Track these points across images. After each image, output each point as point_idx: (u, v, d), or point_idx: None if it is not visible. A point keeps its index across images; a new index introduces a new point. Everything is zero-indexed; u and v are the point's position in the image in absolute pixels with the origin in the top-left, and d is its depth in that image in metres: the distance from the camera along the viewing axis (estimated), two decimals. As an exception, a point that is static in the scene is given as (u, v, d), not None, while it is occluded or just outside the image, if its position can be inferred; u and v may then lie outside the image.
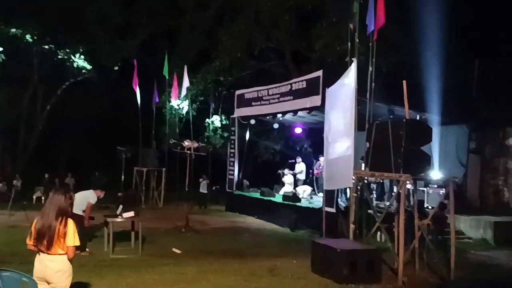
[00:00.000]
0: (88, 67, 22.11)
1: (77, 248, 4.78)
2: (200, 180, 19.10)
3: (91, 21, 21.53)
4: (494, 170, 15.43)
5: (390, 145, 8.68)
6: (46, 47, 21.29)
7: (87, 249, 9.68)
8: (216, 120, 22.72)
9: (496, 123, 15.13)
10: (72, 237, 4.61)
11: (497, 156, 15.36)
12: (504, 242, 12.24)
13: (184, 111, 22.19)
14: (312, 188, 17.53)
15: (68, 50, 21.48)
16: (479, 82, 14.48)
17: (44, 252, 4.58)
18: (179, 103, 21.89)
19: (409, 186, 11.07)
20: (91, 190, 10.12)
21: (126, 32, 23.61)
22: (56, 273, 4.58)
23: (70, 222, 4.65)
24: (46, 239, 4.55)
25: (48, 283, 4.61)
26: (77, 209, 9.48)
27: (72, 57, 21.54)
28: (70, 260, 4.68)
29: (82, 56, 21.72)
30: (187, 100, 19.87)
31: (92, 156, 24.62)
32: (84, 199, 9.78)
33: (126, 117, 23.94)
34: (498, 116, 14.91)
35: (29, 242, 4.70)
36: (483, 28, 16.26)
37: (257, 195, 17.67)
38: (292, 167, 18.62)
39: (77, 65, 21.73)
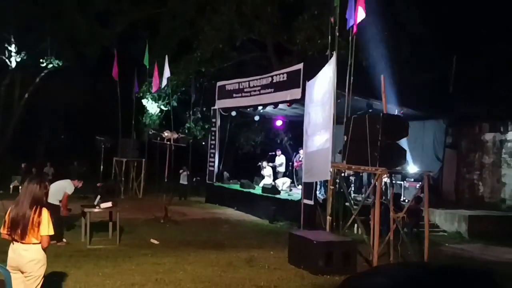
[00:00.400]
0: (59, 64, 21.83)
1: (53, 238, 4.77)
2: (180, 171, 19.07)
3: (71, 9, 21.19)
4: (469, 164, 15.73)
5: (367, 138, 8.80)
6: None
7: (64, 239, 9.64)
8: (197, 111, 22.66)
9: (473, 118, 15.41)
10: (46, 226, 4.60)
11: (473, 151, 15.65)
12: (477, 236, 12.52)
13: (165, 102, 22.08)
14: (291, 181, 17.67)
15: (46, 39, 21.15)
16: (456, 78, 14.71)
17: (18, 241, 4.57)
18: (160, 93, 21.77)
19: (385, 179, 11.28)
20: (68, 180, 10.04)
21: (106, 20, 23.31)
22: (29, 262, 4.57)
23: (45, 211, 4.63)
24: (20, 228, 4.53)
25: (22, 272, 4.59)
26: (54, 199, 9.43)
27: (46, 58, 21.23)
28: (45, 250, 4.67)
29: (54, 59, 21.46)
30: (168, 91, 19.76)
31: (71, 145, 24.36)
32: (61, 189, 9.71)
33: (106, 107, 23.66)
34: (474, 111, 15.19)
35: (3, 231, 4.67)
36: (461, 25, 16.50)
37: (237, 187, 17.74)
38: (272, 159, 18.72)
39: (52, 66, 21.45)
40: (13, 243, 4.62)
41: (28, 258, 4.56)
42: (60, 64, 22.13)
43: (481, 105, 15.32)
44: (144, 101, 21.88)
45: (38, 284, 4.64)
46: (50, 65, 21.74)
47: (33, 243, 4.58)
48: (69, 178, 10.28)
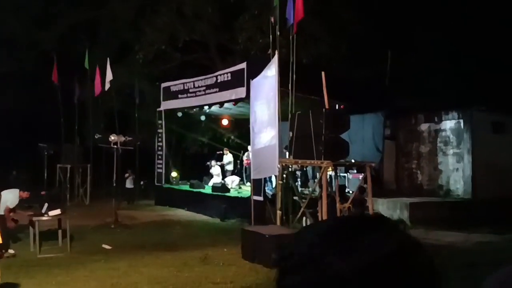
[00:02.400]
0: None
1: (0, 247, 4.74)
2: (126, 175, 18.79)
3: (6, 11, 20.37)
4: (408, 154, 16.49)
5: (311, 133, 9.19)
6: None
7: (10, 250, 9.37)
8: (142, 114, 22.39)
9: (408, 110, 16.15)
10: None
11: (410, 141, 16.41)
12: (419, 222, 13.13)
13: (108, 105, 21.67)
14: (240, 178, 17.91)
15: None
16: (392, 72, 15.38)
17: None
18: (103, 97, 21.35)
19: (330, 172, 11.75)
20: (15, 190, 9.76)
21: (44, 23, 22.54)
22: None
23: None
24: None
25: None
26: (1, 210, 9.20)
27: None
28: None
29: None
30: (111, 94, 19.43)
31: (10, 154, 23.37)
32: (4, 201, 9.43)
33: (46, 112, 22.91)
34: (410, 104, 15.95)
35: None
36: (395, 21, 17.28)
37: (186, 187, 17.76)
38: (220, 158, 18.88)
39: None
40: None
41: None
42: None
43: (416, 98, 16.11)
44: None
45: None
46: None
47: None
48: (13, 187, 10.01)
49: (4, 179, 17.26)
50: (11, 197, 9.50)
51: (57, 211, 9.80)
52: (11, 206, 9.50)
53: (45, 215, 9.65)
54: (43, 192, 15.93)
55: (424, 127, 15.88)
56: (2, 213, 9.19)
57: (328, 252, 0.67)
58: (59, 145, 19.02)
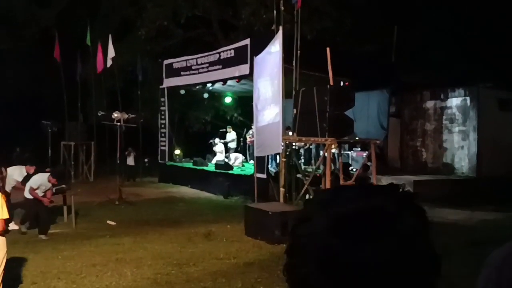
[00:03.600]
0: None
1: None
2: (126, 153, 18.74)
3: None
4: (412, 132, 16.44)
5: (315, 110, 9.12)
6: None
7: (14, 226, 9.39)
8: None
9: (414, 87, 16.02)
10: (0, 210, 4.59)
11: (415, 118, 16.34)
12: (423, 199, 13.05)
13: (110, 82, 21.59)
14: (243, 156, 17.90)
15: None
16: (397, 48, 15.20)
17: (-26, 226, 4.55)
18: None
19: (334, 150, 11.71)
20: (22, 166, 9.83)
21: (44, 0, 22.30)
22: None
23: None
24: None
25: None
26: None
27: None
28: (2, 234, 4.67)
29: None
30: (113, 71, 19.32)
31: (13, 132, 23.41)
32: (9, 176, 9.52)
33: (49, 90, 22.83)
34: (415, 80, 15.80)
35: None
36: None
37: (189, 165, 17.79)
38: (223, 136, 18.85)
39: None
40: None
41: (-15, 242, 4.56)
42: None
43: (422, 74, 15.94)
44: None
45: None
46: None
47: (-12, 227, 4.58)
48: (17, 165, 10.08)
49: (7, 156, 17.34)
50: (17, 172, 9.53)
51: (62, 187, 9.82)
52: (19, 179, 9.55)
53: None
54: (47, 169, 15.96)
55: (429, 104, 15.77)
56: (10, 189, 9.24)
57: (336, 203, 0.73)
58: (63, 122, 19.01)
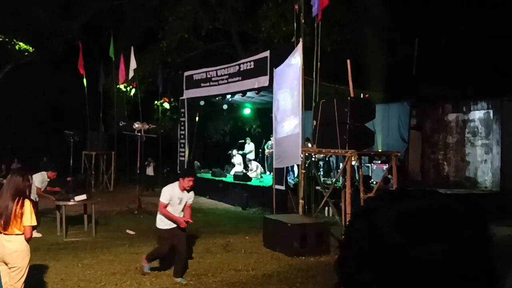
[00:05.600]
0: (30, 49, 21.31)
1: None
2: (146, 163, 18.90)
3: (32, 1, 20.66)
4: (434, 145, 16.21)
5: (336, 122, 9.07)
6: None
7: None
8: (165, 102, 22.56)
9: (436, 99, 15.83)
10: (29, 217, 4.67)
11: (436, 131, 16.12)
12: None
13: (132, 93, 21.89)
14: (262, 168, 17.90)
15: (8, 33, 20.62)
16: (418, 59, 15.03)
17: (1, 233, 4.63)
18: (127, 85, 21.57)
19: (354, 162, 11.63)
20: (44, 172, 9.99)
21: (68, 12, 22.82)
22: (13, 253, 4.63)
23: (27, 203, 4.70)
24: (3, 220, 4.60)
25: (6, 264, 4.65)
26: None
27: (14, 40, 20.71)
28: (28, 241, 4.74)
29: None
30: (135, 82, 19.61)
31: (38, 141, 23.85)
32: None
33: (72, 101, 23.26)
34: (437, 92, 15.62)
35: None
36: (422, 6, 16.86)
37: (208, 175, 17.83)
38: (241, 147, 18.89)
39: (19, 48, 20.88)
40: (-3, 235, 4.68)
41: (11, 249, 4.63)
42: (31, 50, 21.60)
43: (444, 86, 15.76)
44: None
45: (23, 275, 4.70)
46: (17, 46, 21.14)
47: (16, 234, 4.65)
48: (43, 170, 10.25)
49: (34, 165, 17.65)
50: (38, 178, 9.67)
51: (83, 197, 9.95)
52: (39, 186, 9.69)
53: (71, 200, 9.80)
54: (69, 178, 16.20)
55: (451, 117, 15.56)
56: (35, 197, 9.38)
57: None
58: (85, 132, 19.30)
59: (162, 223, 7.01)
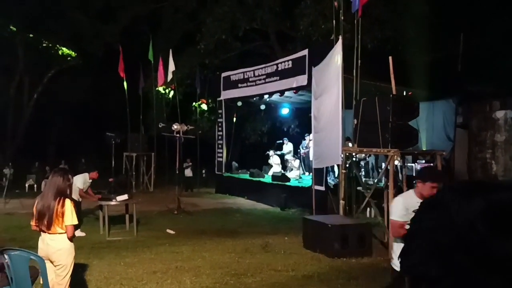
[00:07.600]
0: (73, 54, 21.94)
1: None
2: (184, 164, 19.06)
3: (72, 7, 21.23)
4: (481, 143, 15.61)
5: (377, 121, 8.82)
6: (31, 35, 21.05)
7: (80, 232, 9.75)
8: (203, 103, 22.74)
9: (482, 96, 15.26)
10: (70, 216, 4.72)
11: (484, 129, 15.52)
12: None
13: (170, 95, 22.15)
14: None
15: (51, 39, 21.32)
16: (464, 56, 14.52)
17: (45, 232, 4.71)
18: (165, 88, 21.86)
19: (397, 162, 11.32)
20: (86, 174, 10.16)
21: (108, 17, 23.34)
22: (57, 252, 4.70)
23: (68, 202, 4.76)
24: (46, 219, 4.67)
25: (51, 261, 4.73)
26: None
27: (57, 45, 21.38)
28: (71, 239, 4.80)
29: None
30: (173, 84, 19.82)
31: (80, 143, 24.52)
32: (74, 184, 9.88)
33: (112, 103, 23.78)
34: (484, 89, 15.05)
35: (32, 223, 4.86)
36: (467, 2, 16.30)
37: (246, 176, 17.81)
38: (279, 148, 18.77)
39: (62, 53, 21.50)
40: (41, 234, 4.77)
41: (55, 247, 4.70)
42: (73, 55, 22.26)
43: (490, 83, 15.18)
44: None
45: (68, 272, 4.77)
46: (60, 51, 21.83)
47: (59, 233, 4.72)
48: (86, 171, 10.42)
49: (74, 166, 18.13)
50: (80, 179, 9.85)
51: (125, 197, 10.09)
52: (81, 187, 9.87)
53: (113, 200, 9.95)
54: (111, 179, 16.53)
55: (499, 114, 14.95)
56: (77, 197, 9.57)
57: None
58: (125, 134, 19.65)
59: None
